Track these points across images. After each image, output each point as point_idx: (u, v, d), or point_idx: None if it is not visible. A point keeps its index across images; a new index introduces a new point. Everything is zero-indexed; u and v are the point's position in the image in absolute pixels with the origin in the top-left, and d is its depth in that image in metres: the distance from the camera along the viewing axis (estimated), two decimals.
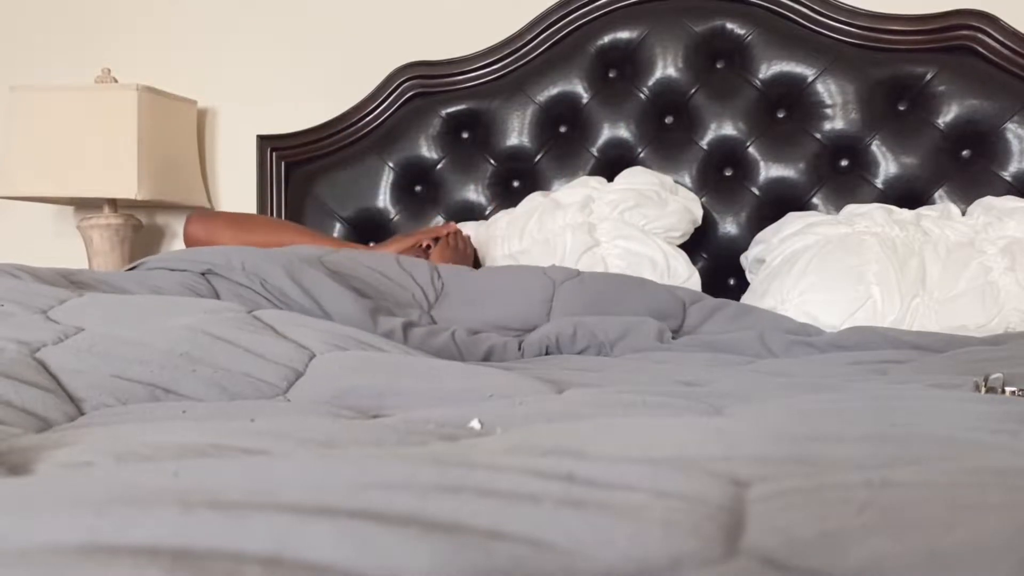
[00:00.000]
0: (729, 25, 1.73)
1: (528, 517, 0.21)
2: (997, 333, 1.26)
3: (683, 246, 1.62)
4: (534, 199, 1.68)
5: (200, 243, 1.39)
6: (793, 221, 1.55)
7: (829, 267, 1.41)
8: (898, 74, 1.66)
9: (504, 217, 1.68)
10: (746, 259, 1.64)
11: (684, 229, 1.62)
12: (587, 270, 1.50)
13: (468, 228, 1.65)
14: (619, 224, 1.57)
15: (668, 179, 1.67)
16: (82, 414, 0.56)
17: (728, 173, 1.74)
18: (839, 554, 0.22)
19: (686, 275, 1.53)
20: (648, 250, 1.54)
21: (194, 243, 1.41)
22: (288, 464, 0.27)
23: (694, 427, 0.36)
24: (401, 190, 1.83)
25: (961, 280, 1.36)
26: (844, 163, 1.70)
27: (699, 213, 1.65)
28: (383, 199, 1.83)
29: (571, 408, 0.54)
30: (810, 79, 1.68)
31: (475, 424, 0.45)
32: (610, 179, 1.67)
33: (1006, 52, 1.61)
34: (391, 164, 1.83)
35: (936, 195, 1.63)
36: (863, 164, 1.68)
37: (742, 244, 1.67)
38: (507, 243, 1.61)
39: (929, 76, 1.64)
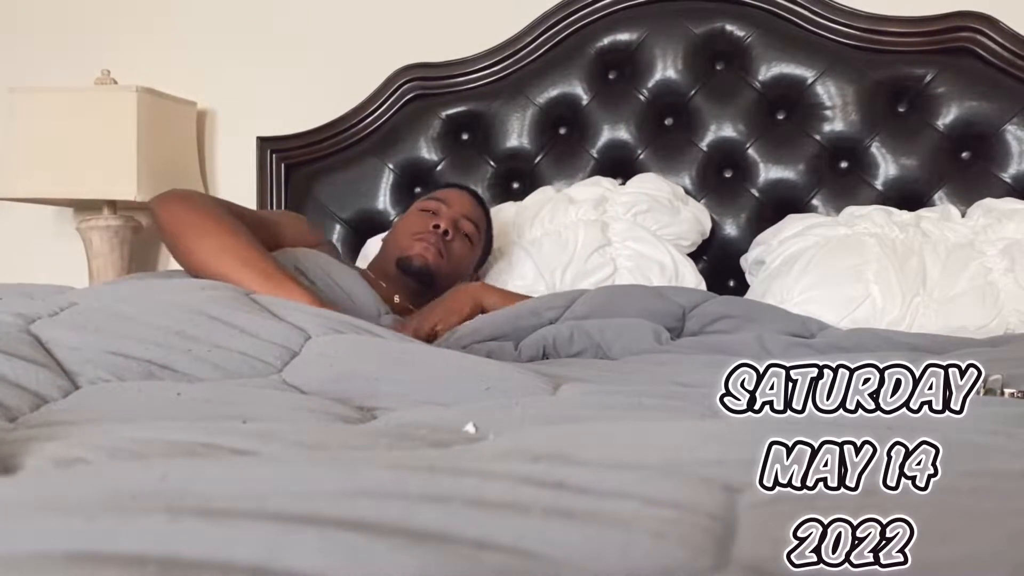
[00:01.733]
0: (729, 27, 1.73)
1: (517, 527, 0.21)
2: (996, 334, 1.26)
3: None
4: (545, 191, 1.68)
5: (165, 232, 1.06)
6: (793, 223, 1.55)
7: (829, 267, 1.41)
8: (897, 76, 1.66)
9: (511, 207, 1.68)
10: (746, 261, 1.63)
11: (693, 239, 1.62)
12: (596, 270, 1.50)
13: None
14: (631, 226, 1.57)
15: (680, 189, 1.67)
16: (77, 388, 0.55)
17: (728, 175, 1.74)
18: None
19: (694, 283, 1.53)
20: (658, 254, 1.54)
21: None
22: (277, 469, 0.27)
23: (687, 431, 0.36)
24: (401, 191, 1.83)
25: (961, 280, 1.36)
26: (844, 165, 1.69)
27: (708, 225, 1.65)
28: (383, 200, 1.82)
29: (566, 411, 0.54)
30: (810, 81, 1.68)
31: (470, 428, 0.45)
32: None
33: (1005, 54, 1.61)
34: (391, 165, 1.82)
35: (936, 197, 1.63)
36: (863, 166, 1.68)
37: (742, 246, 1.67)
38: (516, 230, 1.61)
39: (929, 78, 1.64)
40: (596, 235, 1.54)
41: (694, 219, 1.62)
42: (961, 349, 1.00)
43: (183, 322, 0.65)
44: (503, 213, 1.67)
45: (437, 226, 1.30)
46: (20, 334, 0.58)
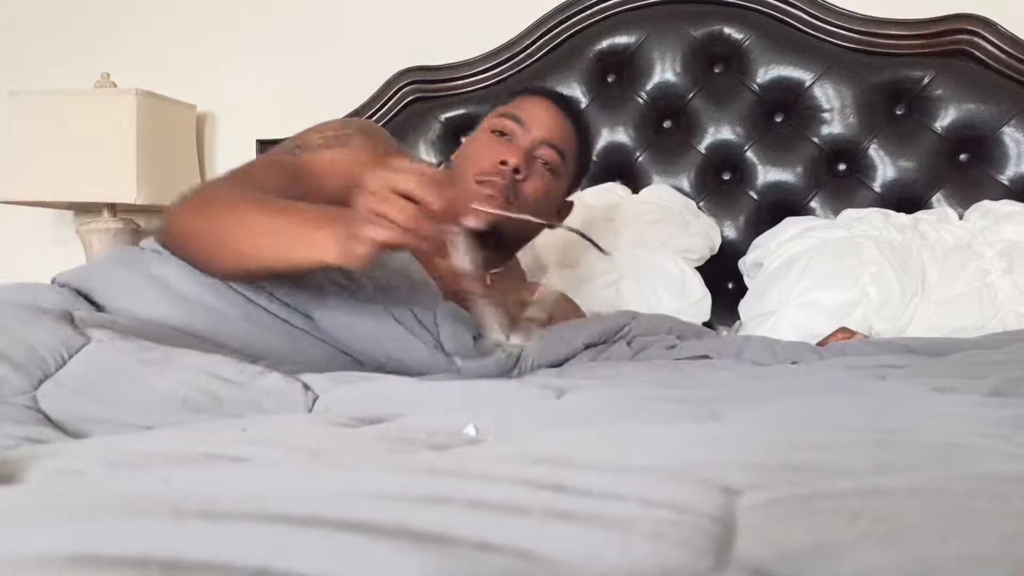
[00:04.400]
0: (727, 30, 1.73)
1: (518, 529, 0.21)
2: (996, 336, 1.26)
3: None
4: None
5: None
6: (791, 225, 1.56)
7: (827, 269, 1.41)
8: (896, 78, 1.66)
9: None
10: (744, 264, 1.64)
11: (701, 253, 1.62)
12: (601, 275, 1.50)
13: None
14: (641, 234, 1.57)
15: (691, 203, 1.68)
16: None
17: (726, 177, 1.74)
18: (832, 565, 0.22)
19: (699, 296, 1.53)
20: (665, 264, 1.53)
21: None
22: (278, 472, 0.27)
23: (687, 434, 0.36)
24: None
25: (959, 282, 1.36)
26: (842, 167, 1.70)
27: (717, 241, 1.65)
28: None
29: (567, 414, 0.54)
30: (808, 83, 1.69)
31: (470, 430, 0.45)
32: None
33: (1003, 56, 1.62)
34: None
35: (934, 199, 1.64)
36: (861, 168, 1.68)
37: (740, 248, 1.67)
38: None
39: (927, 80, 1.64)
40: (604, 239, 1.54)
41: (704, 233, 1.62)
42: (959, 351, 1.00)
43: (187, 385, 0.61)
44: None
45: (505, 162, 1.04)
46: (30, 412, 0.58)
